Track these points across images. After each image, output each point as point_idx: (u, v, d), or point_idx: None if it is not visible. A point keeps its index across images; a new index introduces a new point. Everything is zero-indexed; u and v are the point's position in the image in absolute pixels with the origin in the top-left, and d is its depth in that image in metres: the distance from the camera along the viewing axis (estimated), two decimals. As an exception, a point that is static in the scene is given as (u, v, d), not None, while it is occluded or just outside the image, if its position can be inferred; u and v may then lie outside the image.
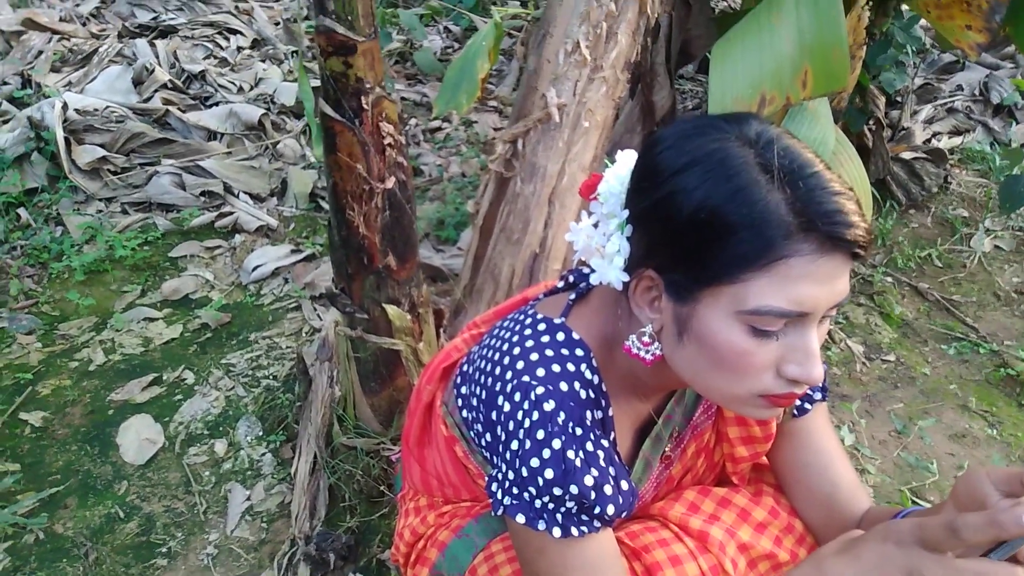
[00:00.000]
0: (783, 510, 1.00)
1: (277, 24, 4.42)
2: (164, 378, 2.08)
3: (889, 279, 2.60)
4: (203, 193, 2.83)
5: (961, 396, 2.12)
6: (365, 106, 1.28)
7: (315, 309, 2.36)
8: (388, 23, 4.26)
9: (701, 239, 0.71)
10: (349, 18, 1.22)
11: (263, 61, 3.85)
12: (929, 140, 3.46)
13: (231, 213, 2.74)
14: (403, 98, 3.74)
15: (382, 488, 1.65)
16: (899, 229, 2.87)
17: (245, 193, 2.87)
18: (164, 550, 1.61)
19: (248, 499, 1.72)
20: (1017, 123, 3.72)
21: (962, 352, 2.29)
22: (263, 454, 1.84)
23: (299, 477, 1.67)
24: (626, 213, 0.80)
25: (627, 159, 0.84)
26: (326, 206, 2.87)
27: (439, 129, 3.49)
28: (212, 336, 2.26)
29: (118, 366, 2.13)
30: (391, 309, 1.48)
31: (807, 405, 0.98)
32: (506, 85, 3.94)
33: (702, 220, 0.70)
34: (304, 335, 2.26)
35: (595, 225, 0.86)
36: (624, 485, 0.82)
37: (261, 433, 1.89)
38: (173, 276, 2.49)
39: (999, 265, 2.72)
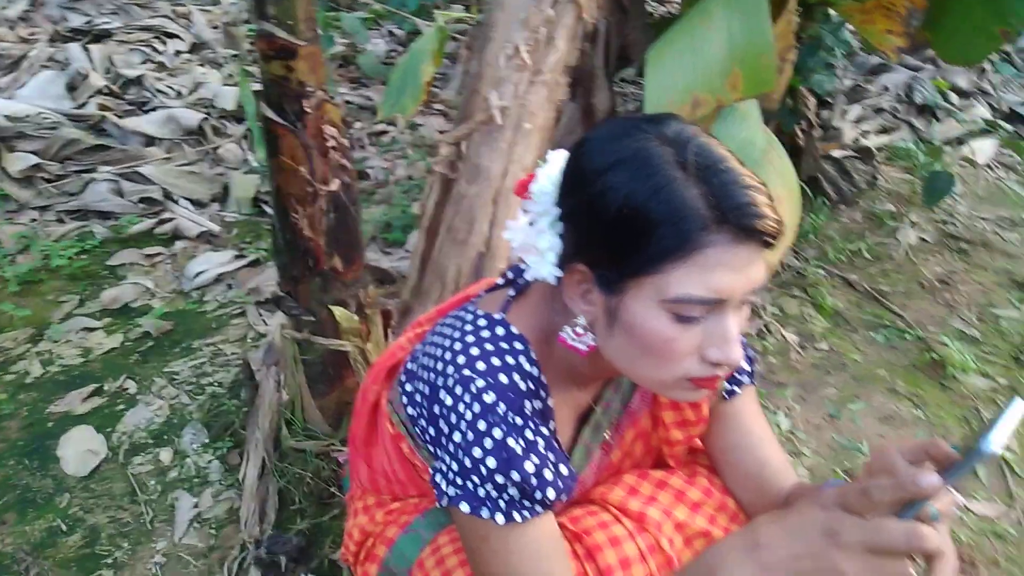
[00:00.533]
0: (716, 489, 1.05)
1: (216, 28, 4.36)
2: (105, 388, 2.05)
3: (821, 272, 2.71)
4: (142, 200, 2.78)
5: (889, 380, 2.23)
6: (307, 109, 1.29)
7: (260, 314, 2.35)
8: (330, 27, 4.24)
9: (626, 233, 0.75)
10: (289, 22, 1.24)
11: (202, 65, 3.79)
12: (858, 139, 3.61)
13: (171, 220, 2.70)
14: (347, 102, 3.73)
15: (332, 490, 1.66)
16: (830, 224, 3.00)
17: (185, 199, 2.83)
18: (110, 561, 1.59)
19: (196, 506, 1.70)
20: (938, 122, 3.92)
21: (890, 339, 2.41)
22: (210, 461, 1.82)
23: (247, 482, 1.66)
24: (557, 211, 0.84)
25: (558, 159, 0.88)
26: (270, 211, 2.84)
27: (385, 132, 3.50)
28: (154, 344, 2.23)
29: (56, 378, 2.08)
30: (338, 310, 1.49)
31: (736, 389, 1.04)
32: (451, 88, 3.97)
33: (626, 216, 0.75)
34: (249, 341, 2.25)
35: (530, 223, 0.89)
36: (563, 470, 0.86)
37: (207, 440, 1.88)
38: (112, 285, 2.45)
39: (924, 256, 2.87)
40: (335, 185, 1.38)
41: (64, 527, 1.66)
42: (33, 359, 2.13)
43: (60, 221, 2.68)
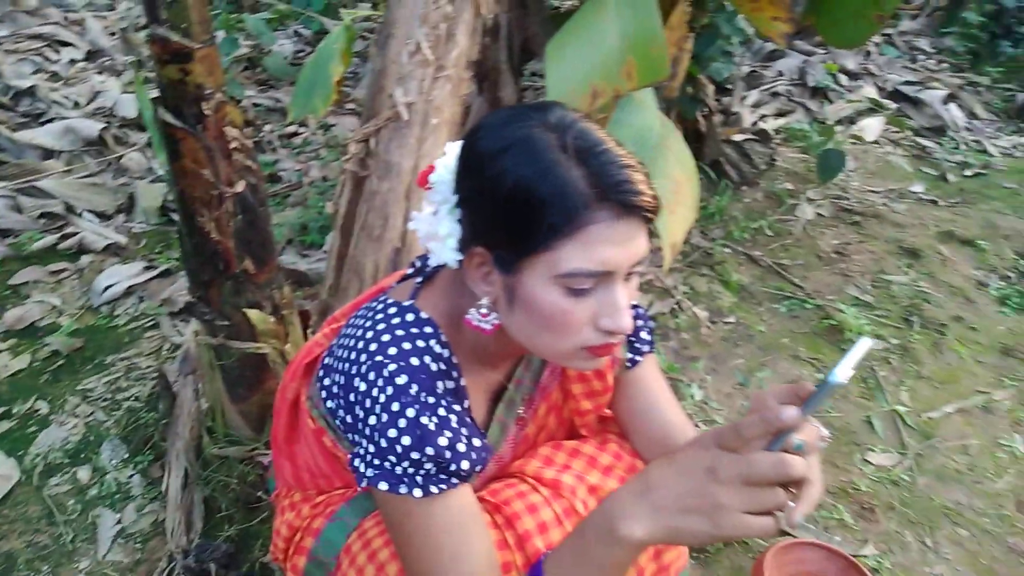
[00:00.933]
0: (626, 453, 1.12)
1: (113, 35, 4.21)
2: (14, 411, 1.97)
3: (727, 250, 2.85)
4: (43, 215, 2.67)
5: (792, 347, 2.38)
6: (206, 111, 1.29)
7: (175, 325, 2.30)
8: (234, 29, 4.15)
9: (517, 215, 0.80)
10: (183, 25, 1.23)
11: (100, 73, 3.66)
12: (756, 123, 3.79)
13: (75, 234, 2.61)
14: (256, 104, 3.67)
15: (259, 494, 1.66)
16: (734, 205, 3.14)
17: (89, 212, 2.74)
18: (29, 585, 1.55)
19: (119, 522, 1.67)
20: (830, 103, 4.15)
21: (792, 309, 2.56)
22: (131, 476, 1.79)
23: (171, 493, 1.64)
24: (455, 197, 0.88)
25: (455, 149, 0.92)
26: (177, 223, 2.79)
27: (296, 134, 3.46)
28: (65, 363, 2.16)
29: (-40, 404, 1.99)
30: (253, 313, 1.49)
31: (637, 358, 1.11)
32: (363, 87, 3.95)
33: (515, 198, 0.80)
34: (165, 352, 2.20)
35: (433, 213, 0.94)
36: (477, 443, 0.90)
37: (127, 455, 1.84)
38: (16, 304, 2.35)
39: (820, 230, 3.04)
40: (241, 187, 1.38)
41: (-23, 556, 1.60)
42: (-68, 387, 2.03)
43: (-47, 242, 2.55)
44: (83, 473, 1.80)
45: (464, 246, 0.88)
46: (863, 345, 0.68)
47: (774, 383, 2.22)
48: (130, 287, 2.42)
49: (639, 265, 0.85)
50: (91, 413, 1.97)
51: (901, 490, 1.88)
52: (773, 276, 2.74)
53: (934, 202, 3.37)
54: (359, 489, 0.91)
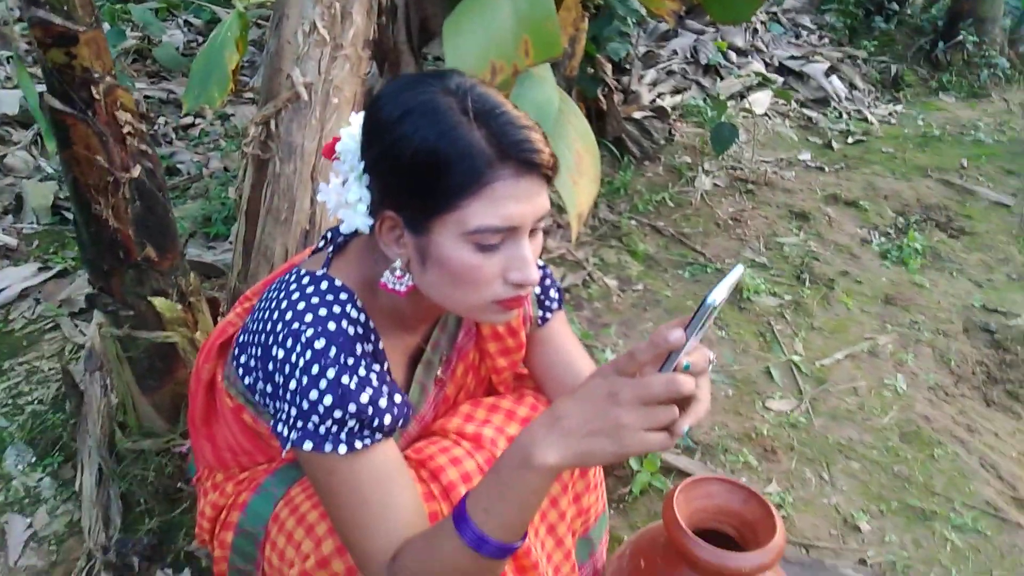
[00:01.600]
0: (542, 405, 1.17)
1: (-17, 27, 3.94)
2: (-97, 424, 1.86)
3: (633, 222, 2.96)
4: (-81, 220, 2.51)
5: (696, 310, 2.50)
6: (96, 96, 1.26)
7: (76, 325, 2.21)
8: (120, 19, 3.96)
9: (423, 176, 0.84)
10: (65, 7, 1.19)
11: (-27, 68, 3.43)
12: (654, 100, 3.94)
13: (-41, 237, 2.46)
14: (147, 96, 3.53)
15: (179, 484, 1.63)
16: (637, 179, 3.27)
17: (-27, 214, 2.59)
18: (-65, 600, 1.48)
19: (30, 526, 1.61)
20: (721, 79, 4.35)
21: (694, 274, 2.69)
22: (40, 479, 1.72)
23: (85, 491, 1.60)
24: (362, 164, 0.91)
25: (358, 119, 0.95)
26: (72, 217, 2.67)
27: (192, 125, 3.36)
28: (-42, 371, 2.05)
29: None
30: (159, 301, 1.46)
31: (547, 315, 1.16)
32: (260, 75, 3.86)
33: (421, 160, 0.83)
34: (68, 353, 2.12)
35: (342, 183, 0.96)
36: (398, 398, 0.93)
37: (34, 459, 1.77)
38: None
39: (718, 199, 3.20)
40: (137, 171, 1.35)
41: None
42: None
43: None
44: (-14, 481, 1.72)
45: (374, 211, 0.90)
46: (736, 271, 0.75)
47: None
48: (24, 289, 2.31)
49: (541, 221, 0.90)
50: (-10, 421, 1.88)
51: (799, 432, 2.03)
52: (676, 244, 2.87)
53: (820, 168, 3.60)
54: (283, 454, 0.93)
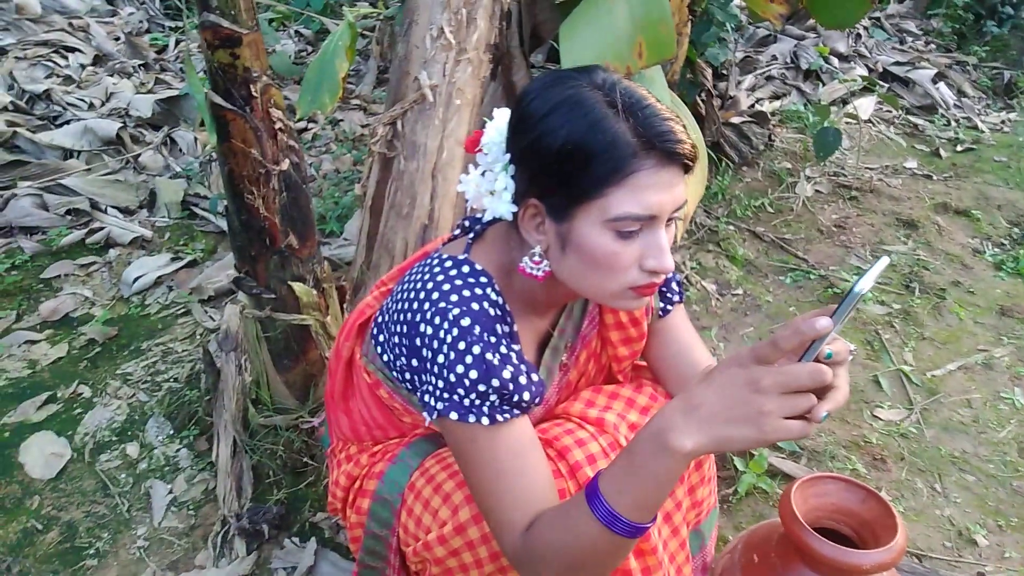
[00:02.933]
0: (661, 395, 1.21)
1: (118, 39, 4.28)
2: (59, 395, 2.05)
3: (731, 227, 2.94)
4: (69, 211, 2.75)
5: (799, 315, 2.47)
6: (254, 93, 1.38)
7: (206, 311, 2.38)
8: (238, 30, 4.22)
9: (570, 166, 0.89)
10: (232, 12, 1.32)
11: (111, 75, 3.73)
12: (753, 105, 3.89)
13: (102, 228, 2.69)
14: (265, 103, 3.74)
15: (305, 459, 1.74)
16: (735, 184, 3.24)
17: (113, 207, 2.82)
18: (91, 552, 1.63)
19: (171, 492, 1.76)
20: (823, 84, 4.26)
21: (796, 280, 2.66)
22: (178, 450, 1.87)
23: (221, 461, 1.73)
24: (507, 156, 0.97)
25: (502, 114, 1.01)
26: (200, 213, 2.87)
27: (306, 130, 3.54)
28: (102, 350, 2.24)
29: (5, 391, 2.07)
30: (298, 286, 1.58)
31: (668, 307, 1.20)
32: (366, 84, 4.04)
33: (569, 151, 0.89)
34: (199, 337, 2.28)
35: (482, 174, 1.02)
36: (534, 377, 0.99)
37: (172, 431, 1.92)
38: (49, 297, 2.43)
39: (820, 206, 3.15)
40: (285, 164, 1.47)
41: (39, 526, 1.68)
42: (-23, 375, 2.11)
43: (-18, 240, 2.63)
44: (132, 449, 1.88)
45: (518, 199, 0.97)
46: (882, 262, 0.77)
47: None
48: (159, 277, 2.50)
49: (678, 211, 0.94)
50: (133, 395, 2.06)
51: (910, 442, 1.98)
52: (776, 250, 2.84)
53: (928, 176, 3.48)
54: (427, 423, 1.00)
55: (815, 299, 2.56)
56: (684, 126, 0.91)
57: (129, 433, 1.93)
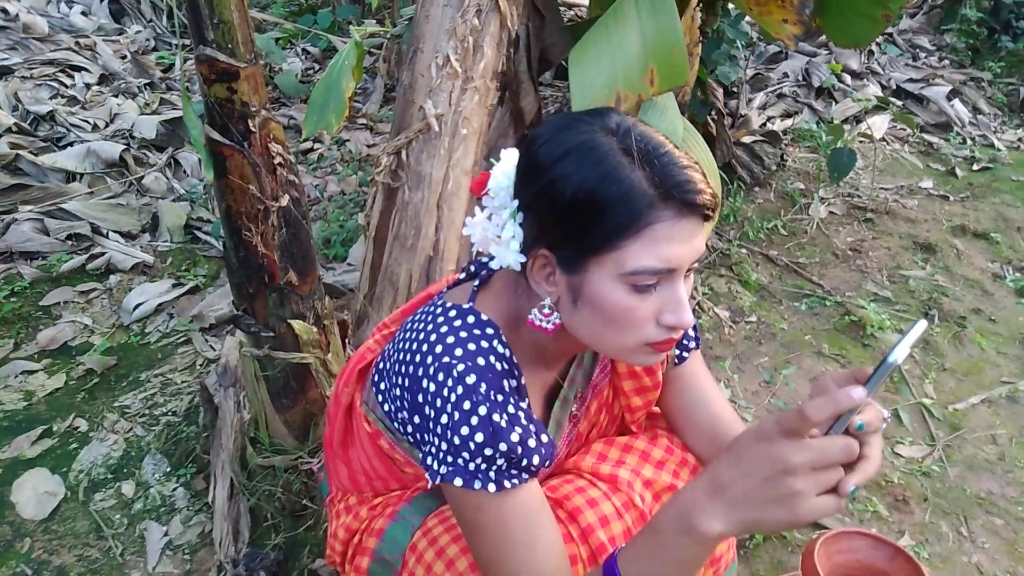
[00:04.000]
0: (677, 447, 1.15)
1: (124, 58, 4.26)
2: (54, 429, 2.00)
3: (744, 250, 2.88)
4: (69, 236, 2.71)
5: (815, 344, 2.40)
6: (252, 128, 1.33)
7: (207, 340, 2.33)
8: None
9: (582, 217, 0.83)
10: (230, 46, 1.27)
11: (115, 96, 3.70)
12: (764, 124, 3.84)
13: (103, 254, 2.64)
14: (270, 123, 3.70)
15: (304, 502, 1.68)
16: (747, 206, 3.18)
17: (115, 232, 2.78)
18: (83, 599, 1.57)
19: (166, 534, 1.70)
20: (836, 102, 4.19)
21: (812, 307, 2.59)
22: (175, 489, 1.81)
23: (218, 503, 1.67)
24: (516, 203, 0.92)
25: (510, 156, 0.96)
26: (203, 237, 2.83)
27: (311, 150, 3.50)
28: (100, 381, 2.19)
29: (1, 424, 2.02)
30: (298, 324, 1.52)
31: (684, 354, 1.14)
32: (373, 102, 4.00)
33: (581, 201, 0.83)
34: (199, 367, 2.23)
35: (489, 218, 0.97)
36: (544, 438, 0.93)
37: (169, 469, 1.87)
38: (48, 325, 2.38)
39: (834, 228, 3.08)
40: (285, 200, 1.42)
41: (29, 571, 1.62)
42: (-28, 408, 2.06)
43: (-18, 265, 2.59)
44: (127, 488, 1.82)
45: (527, 248, 0.91)
46: (919, 327, 0.71)
47: (800, 380, 2.25)
48: (159, 304, 2.45)
49: (697, 262, 0.88)
50: (130, 429, 2.00)
51: (933, 481, 1.91)
52: (791, 275, 2.77)
53: (945, 197, 3.41)
54: (429, 486, 0.94)
55: (831, 327, 2.48)
56: (704, 174, 0.85)
57: (125, 470, 1.87)
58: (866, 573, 1.21)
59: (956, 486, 1.89)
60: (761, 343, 2.41)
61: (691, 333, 1.15)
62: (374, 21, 4.57)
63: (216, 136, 1.33)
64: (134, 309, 2.43)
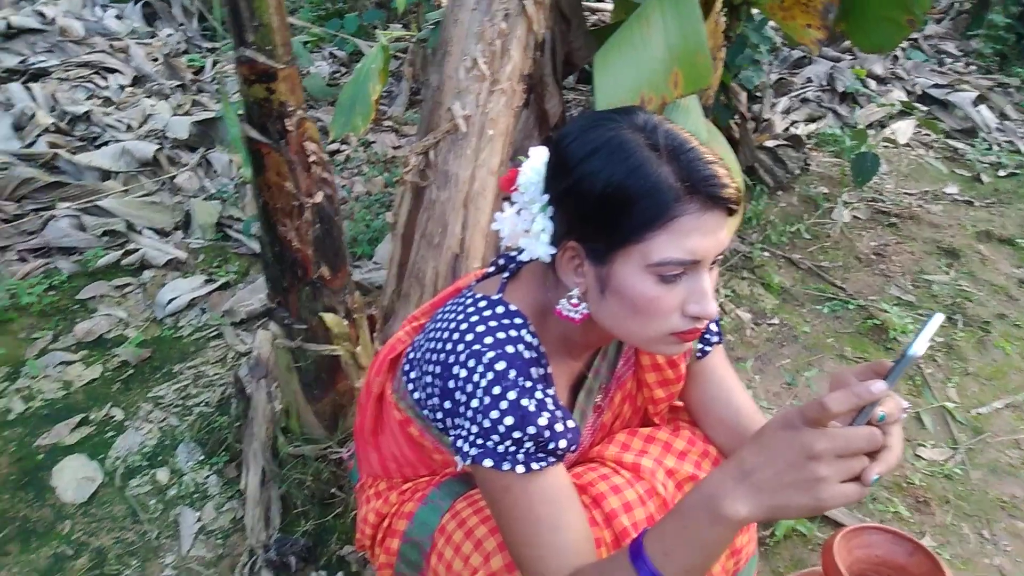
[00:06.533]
0: (698, 439, 1.18)
1: (156, 60, 4.36)
2: (91, 417, 2.07)
3: (766, 254, 2.89)
4: (105, 233, 2.79)
5: (838, 347, 2.41)
6: (289, 127, 1.38)
7: (238, 335, 2.39)
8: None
9: (611, 210, 0.87)
10: (268, 48, 1.32)
11: (149, 97, 3.80)
12: (788, 128, 3.84)
13: (137, 250, 2.72)
14: (298, 124, 3.77)
15: (333, 490, 1.73)
16: (770, 209, 3.19)
17: (149, 229, 2.86)
18: (120, 580, 1.63)
19: (199, 520, 1.75)
20: (860, 107, 4.19)
21: (834, 310, 2.59)
22: (207, 476, 1.87)
23: (249, 490, 1.72)
24: (545, 197, 0.95)
25: (539, 153, 0.99)
26: (234, 235, 2.90)
27: (338, 152, 3.56)
28: (134, 372, 2.25)
29: (40, 412, 2.09)
30: (329, 317, 1.57)
31: (707, 348, 1.17)
32: (398, 105, 4.06)
33: (610, 195, 0.86)
34: (230, 360, 2.29)
35: (518, 212, 1.01)
36: (570, 423, 0.96)
37: (202, 457, 1.93)
38: (84, 318, 2.46)
39: (858, 232, 3.08)
40: (319, 197, 1.47)
41: (70, 551, 1.69)
42: (13, 396, 2.14)
43: (23, 260, 2.67)
44: (162, 474, 1.88)
45: (557, 241, 0.94)
46: (936, 320, 0.73)
47: (822, 383, 2.26)
48: (192, 299, 2.52)
49: (721, 255, 0.91)
50: (164, 418, 2.06)
51: (955, 484, 1.91)
52: (813, 278, 2.78)
53: (969, 203, 3.39)
54: (459, 468, 0.97)
55: (853, 330, 2.49)
56: (728, 169, 0.89)
57: (160, 458, 1.94)
58: (885, 568, 1.22)
59: (978, 489, 1.90)
60: (783, 345, 2.42)
61: (714, 328, 1.18)
62: (400, 25, 4.64)
63: (255, 134, 1.38)
64: (167, 304, 2.50)
